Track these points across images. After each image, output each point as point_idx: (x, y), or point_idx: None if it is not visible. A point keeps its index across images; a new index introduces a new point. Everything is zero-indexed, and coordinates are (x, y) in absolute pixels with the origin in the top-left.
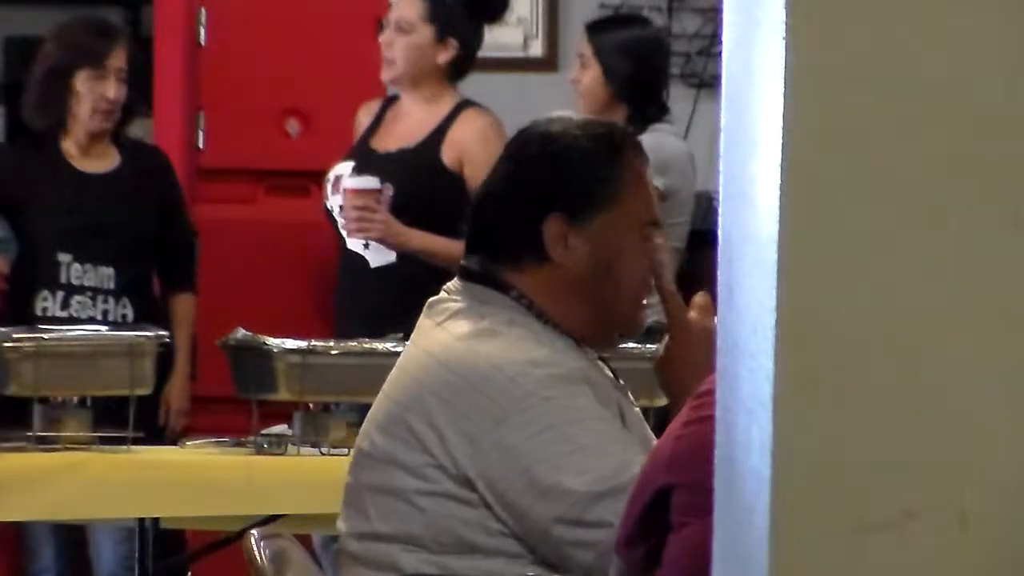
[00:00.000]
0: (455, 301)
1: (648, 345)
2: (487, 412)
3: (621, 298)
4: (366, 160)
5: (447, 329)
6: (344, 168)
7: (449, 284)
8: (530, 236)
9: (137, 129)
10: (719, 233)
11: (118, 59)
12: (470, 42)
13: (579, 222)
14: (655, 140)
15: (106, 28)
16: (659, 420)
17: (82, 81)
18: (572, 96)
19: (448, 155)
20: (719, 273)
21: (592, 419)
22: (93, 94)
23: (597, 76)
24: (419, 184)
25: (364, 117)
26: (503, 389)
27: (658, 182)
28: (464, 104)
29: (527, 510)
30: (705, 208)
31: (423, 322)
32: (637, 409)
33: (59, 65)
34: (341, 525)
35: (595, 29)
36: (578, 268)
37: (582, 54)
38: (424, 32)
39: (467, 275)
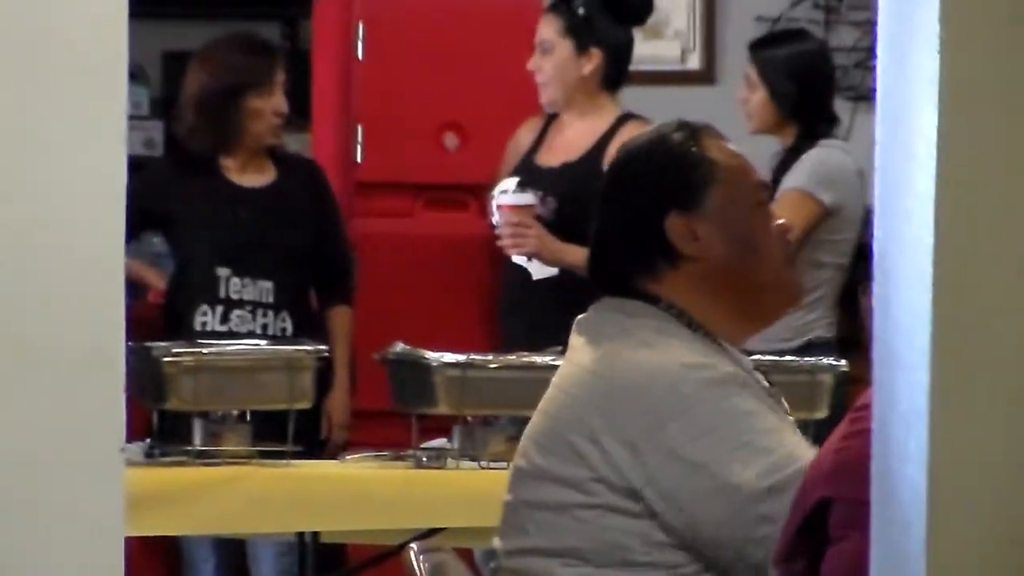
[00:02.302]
0: (603, 317)
1: (808, 359)
2: (647, 419)
3: (771, 264)
4: (530, 176)
5: (599, 344)
6: (509, 184)
7: (596, 302)
8: (658, 244)
9: (294, 143)
10: (874, 246)
11: (281, 73)
12: (615, 47)
13: (695, 210)
14: (821, 155)
15: (263, 45)
16: (818, 433)
17: (253, 99)
18: (730, 109)
19: None
20: (875, 286)
21: (752, 416)
22: (267, 111)
23: (764, 97)
24: (581, 199)
25: (527, 133)
26: (661, 395)
27: (824, 197)
28: (626, 117)
29: (698, 513)
30: (863, 221)
31: (574, 339)
32: (791, 419)
33: (227, 86)
34: (499, 543)
35: (759, 48)
36: (718, 254)
37: (748, 75)
38: (564, 47)
39: (611, 291)
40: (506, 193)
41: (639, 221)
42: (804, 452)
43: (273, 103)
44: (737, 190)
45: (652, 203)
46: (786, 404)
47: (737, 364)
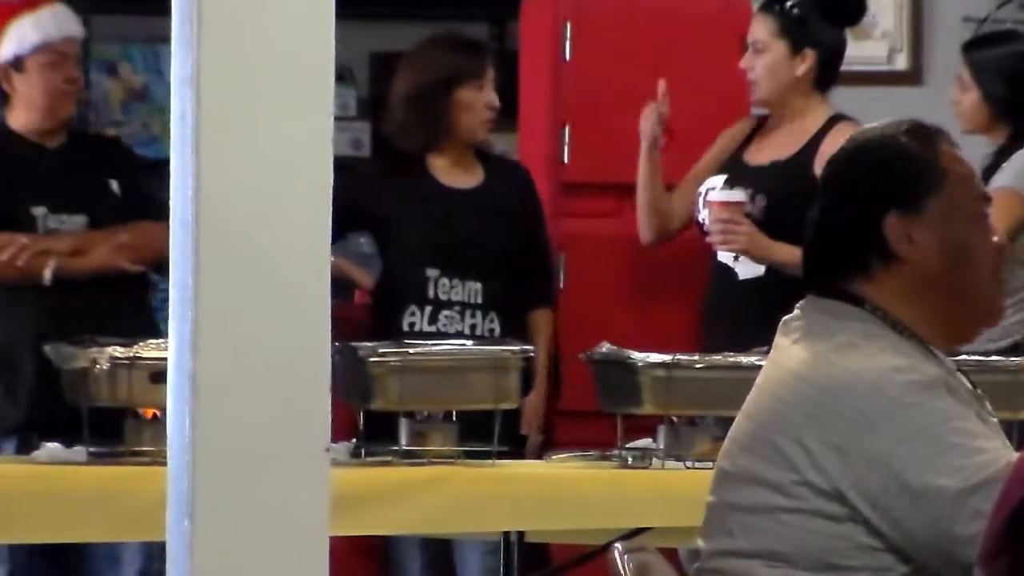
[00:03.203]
0: (809, 318)
1: (1012, 358)
2: (854, 422)
3: (980, 279)
4: (738, 173)
5: (804, 345)
6: (716, 181)
7: (802, 302)
8: (873, 242)
9: (501, 143)
10: None
11: (491, 69)
12: (829, 48)
13: (915, 214)
14: None
15: (472, 42)
16: (1022, 433)
17: (465, 93)
18: (937, 109)
19: (821, 169)
20: None
21: (957, 419)
22: (479, 104)
23: (976, 99)
24: (791, 197)
25: (737, 131)
26: (868, 398)
27: None
28: (837, 118)
29: (903, 516)
30: None
31: (779, 340)
32: (995, 420)
33: (438, 80)
34: (702, 543)
35: (971, 49)
36: (930, 260)
37: (960, 76)
38: (778, 48)
39: (818, 291)
40: (715, 190)
41: (858, 215)
42: (1008, 453)
43: (485, 96)
44: (959, 201)
45: (873, 199)
46: (990, 406)
47: (941, 366)
